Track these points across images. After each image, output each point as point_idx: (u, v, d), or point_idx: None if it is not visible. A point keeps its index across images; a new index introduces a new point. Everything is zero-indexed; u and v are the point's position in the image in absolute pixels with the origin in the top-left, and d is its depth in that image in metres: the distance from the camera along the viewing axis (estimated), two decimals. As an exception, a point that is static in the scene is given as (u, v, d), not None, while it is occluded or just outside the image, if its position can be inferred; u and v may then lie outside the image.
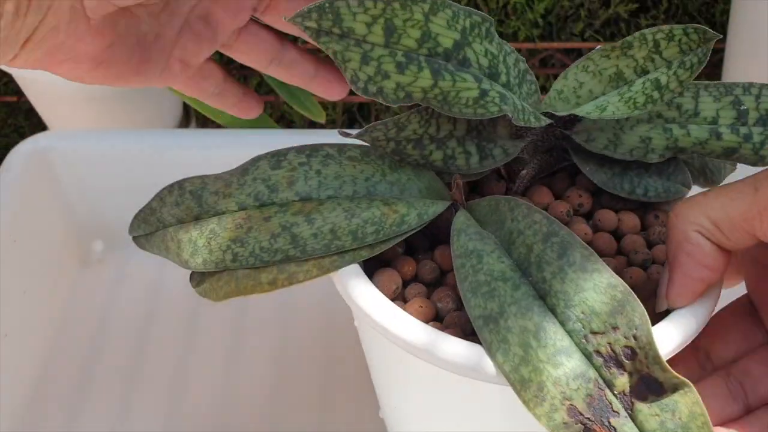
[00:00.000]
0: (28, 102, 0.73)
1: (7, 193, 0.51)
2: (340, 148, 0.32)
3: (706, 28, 0.30)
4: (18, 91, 0.75)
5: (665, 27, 0.31)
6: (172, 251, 0.32)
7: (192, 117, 0.77)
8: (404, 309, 0.31)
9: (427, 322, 0.31)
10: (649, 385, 0.26)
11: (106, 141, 0.56)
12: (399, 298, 0.32)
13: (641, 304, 0.26)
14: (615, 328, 0.27)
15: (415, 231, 0.31)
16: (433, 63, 0.29)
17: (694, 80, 0.32)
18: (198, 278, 0.32)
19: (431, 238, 0.34)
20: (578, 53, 0.77)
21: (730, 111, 0.32)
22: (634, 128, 0.33)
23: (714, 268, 0.28)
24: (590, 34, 0.68)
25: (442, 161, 0.32)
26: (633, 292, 0.27)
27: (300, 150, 0.32)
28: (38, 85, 0.66)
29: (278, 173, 0.32)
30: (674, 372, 0.26)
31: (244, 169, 0.32)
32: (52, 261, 0.55)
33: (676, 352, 0.28)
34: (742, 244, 0.28)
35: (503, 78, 0.31)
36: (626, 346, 0.26)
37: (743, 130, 0.32)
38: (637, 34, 0.31)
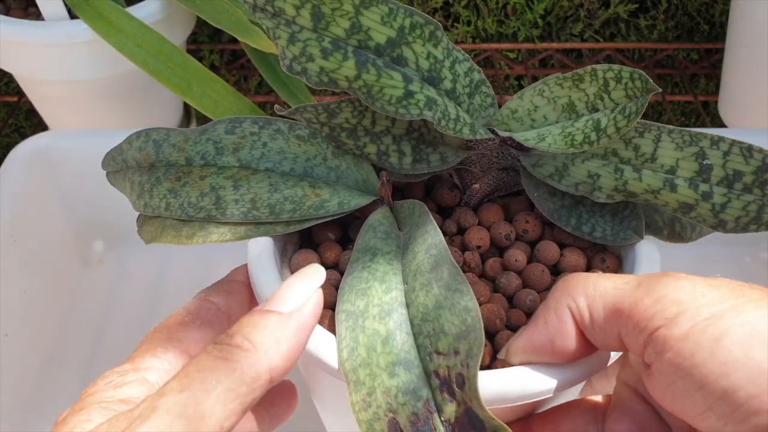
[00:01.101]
0: (28, 102, 0.72)
1: (7, 193, 0.50)
2: (292, 125, 0.33)
3: (648, 78, 0.27)
4: (19, 91, 0.74)
5: (615, 66, 0.28)
6: (127, 190, 0.35)
7: (192, 116, 0.76)
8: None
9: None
10: (473, 420, 0.25)
11: (107, 141, 0.53)
12: (312, 280, 0.33)
13: (484, 335, 0.25)
14: (456, 352, 0.25)
15: (334, 218, 0.32)
16: (361, 55, 0.29)
17: (666, 123, 0.29)
18: (142, 219, 0.35)
19: (367, 231, 0.34)
20: (578, 53, 0.73)
21: (691, 163, 0.29)
22: (585, 162, 0.31)
23: (560, 351, 0.26)
24: (590, 35, 0.64)
25: (376, 156, 0.32)
26: (482, 321, 0.25)
27: (255, 120, 0.34)
28: (39, 85, 0.64)
29: (229, 138, 0.33)
30: (491, 413, 0.24)
31: (204, 129, 0.34)
32: (52, 261, 0.54)
33: (501, 405, 0.27)
34: (604, 341, 0.25)
35: (447, 84, 0.30)
36: (459, 374, 0.25)
37: (703, 186, 0.29)
38: (588, 68, 0.29)
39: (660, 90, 0.27)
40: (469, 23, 0.59)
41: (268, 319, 0.25)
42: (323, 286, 0.31)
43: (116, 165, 0.36)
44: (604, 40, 0.70)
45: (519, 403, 0.27)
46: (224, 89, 0.56)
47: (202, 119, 0.76)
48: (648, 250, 0.31)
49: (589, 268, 0.32)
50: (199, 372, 0.23)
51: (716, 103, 0.68)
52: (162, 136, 0.34)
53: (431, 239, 0.28)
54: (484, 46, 0.60)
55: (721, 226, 0.29)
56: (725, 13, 0.61)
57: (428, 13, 0.60)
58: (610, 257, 0.32)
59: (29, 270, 0.51)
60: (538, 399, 0.27)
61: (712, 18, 0.62)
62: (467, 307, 0.26)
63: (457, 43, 0.60)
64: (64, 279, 0.55)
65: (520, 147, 0.32)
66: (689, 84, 0.71)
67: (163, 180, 0.33)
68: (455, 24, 0.59)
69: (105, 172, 0.36)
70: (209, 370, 0.23)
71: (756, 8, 0.52)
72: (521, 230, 0.33)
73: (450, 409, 0.25)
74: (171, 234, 0.33)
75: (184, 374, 0.23)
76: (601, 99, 0.29)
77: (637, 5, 0.58)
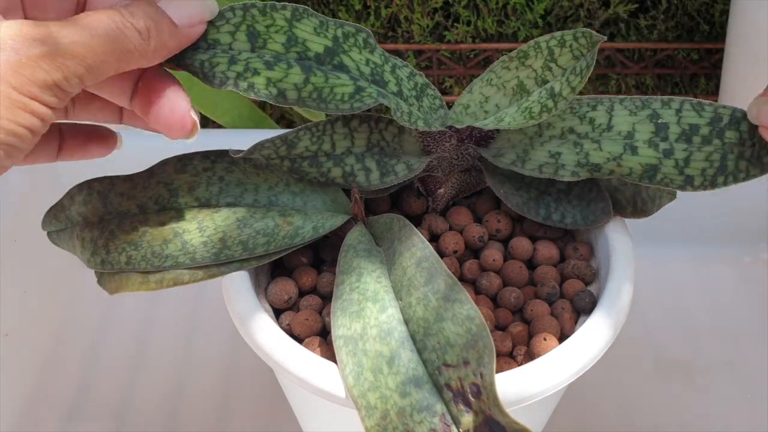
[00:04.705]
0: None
1: (7, 193, 0.50)
2: (247, 154, 0.32)
3: (592, 31, 0.28)
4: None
5: (557, 33, 0.29)
6: (77, 249, 0.33)
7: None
8: (292, 319, 0.31)
9: (309, 335, 0.30)
10: (493, 428, 0.25)
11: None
12: (293, 308, 0.32)
13: (492, 341, 0.25)
14: (466, 362, 0.25)
15: (309, 243, 0.31)
16: (304, 63, 0.28)
17: (615, 94, 0.30)
18: (99, 272, 0.33)
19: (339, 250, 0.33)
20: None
21: (647, 125, 0.29)
22: (544, 144, 0.31)
23: None
24: (589, 35, 0.66)
25: (342, 178, 0.31)
26: (487, 328, 0.25)
27: (206, 155, 0.32)
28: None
29: (182, 177, 0.32)
30: (514, 418, 0.24)
31: (151, 172, 0.32)
32: (52, 261, 0.51)
33: (520, 404, 0.27)
34: None
35: (393, 87, 0.30)
36: (473, 383, 0.25)
37: (663, 145, 0.29)
38: (531, 42, 0.30)
39: (605, 38, 0.28)
40: (469, 23, 0.59)
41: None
42: (307, 314, 0.31)
43: (60, 223, 0.33)
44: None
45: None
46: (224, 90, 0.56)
47: (202, 119, 0.74)
48: (617, 232, 0.32)
49: (563, 259, 0.33)
50: None
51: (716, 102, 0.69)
52: (106, 186, 0.33)
53: (420, 252, 0.28)
54: (484, 46, 0.59)
55: (689, 183, 0.29)
56: (725, 13, 0.61)
57: (428, 14, 0.59)
58: (581, 246, 0.33)
59: (29, 270, 0.50)
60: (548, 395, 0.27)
61: (712, 18, 0.62)
62: (470, 316, 0.26)
63: (457, 43, 0.60)
64: (65, 278, 0.53)
65: (479, 140, 0.32)
66: (689, 84, 0.71)
67: (118, 232, 0.31)
68: (455, 24, 0.58)
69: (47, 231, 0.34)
70: None
71: (756, 8, 0.52)
72: (494, 230, 0.33)
73: (467, 419, 0.25)
74: (137, 281, 0.31)
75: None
76: (549, 69, 0.30)
77: (637, 5, 0.59)
